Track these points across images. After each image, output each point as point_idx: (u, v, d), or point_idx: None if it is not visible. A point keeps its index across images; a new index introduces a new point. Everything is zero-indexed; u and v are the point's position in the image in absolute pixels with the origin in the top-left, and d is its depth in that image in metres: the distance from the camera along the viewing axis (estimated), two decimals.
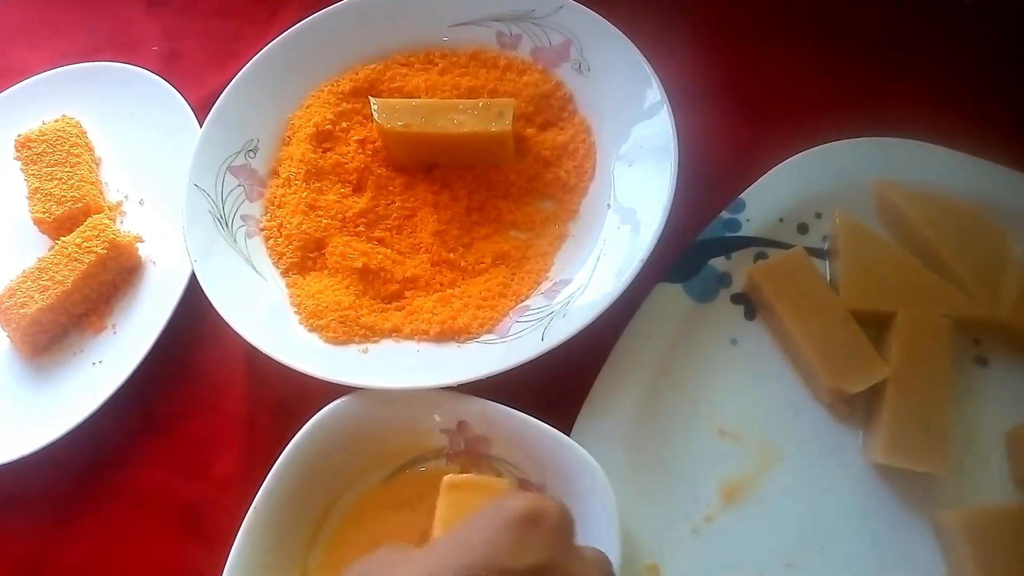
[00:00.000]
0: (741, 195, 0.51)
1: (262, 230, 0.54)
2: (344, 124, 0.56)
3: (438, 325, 0.48)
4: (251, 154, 0.55)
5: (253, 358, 0.51)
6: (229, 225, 0.53)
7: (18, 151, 0.61)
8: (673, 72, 0.51)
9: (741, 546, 0.44)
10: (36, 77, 0.67)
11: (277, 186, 0.55)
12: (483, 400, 0.44)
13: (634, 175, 0.50)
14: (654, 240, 0.46)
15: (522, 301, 0.49)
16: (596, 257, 0.48)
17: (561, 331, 0.44)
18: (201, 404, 0.53)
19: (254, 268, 0.52)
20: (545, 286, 0.49)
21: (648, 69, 0.51)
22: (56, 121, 0.62)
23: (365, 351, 0.48)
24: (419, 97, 0.56)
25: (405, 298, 0.51)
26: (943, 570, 0.42)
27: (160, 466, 0.51)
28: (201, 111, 0.61)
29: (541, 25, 0.56)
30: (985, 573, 0.40)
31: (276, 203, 0.54)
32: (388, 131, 0.52)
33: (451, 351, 0.47)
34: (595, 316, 0.44)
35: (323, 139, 0.56)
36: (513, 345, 0.46)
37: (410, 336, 0.48)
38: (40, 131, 0.61)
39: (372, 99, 0.54)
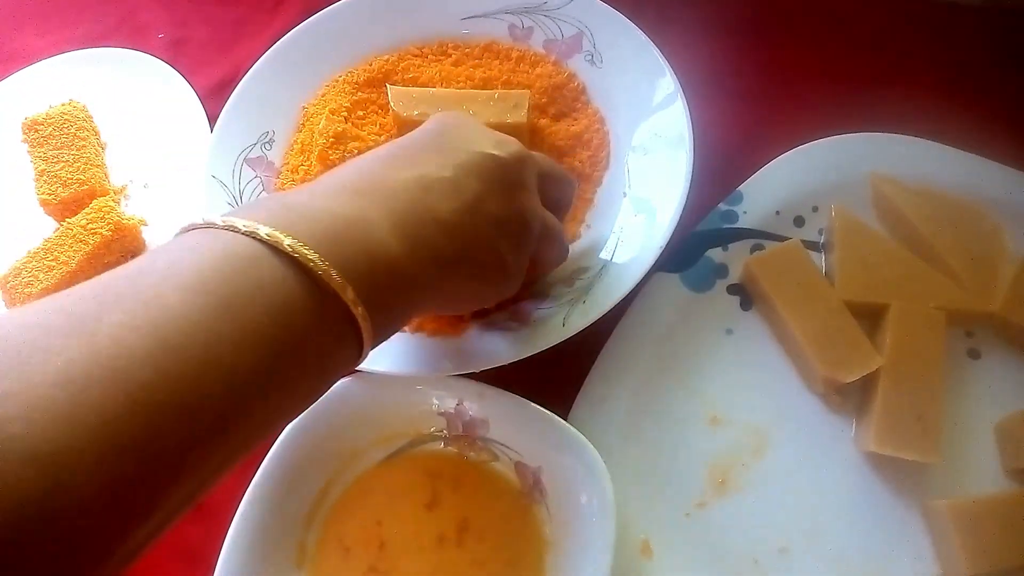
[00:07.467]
0: (739, 187, 0.52)
1: None
2: (360, 112, 0.56)
3: None
4: (267, 146, 0.56)
5: None
6: None
7: (25, 134, 0.61)
8: (675, 65, 0.52)
9: (734, 531, 0.44)
10: (44, 62, 0.67)
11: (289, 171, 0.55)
12: (482, 384, 0.45)
13: (649, 164, 0.50)
14: (671, 227, 0.46)
15: (540, 289, 0.49)
16: (613, 245, 0.49)
17: (581, 318, 0.45)
18: None
19: None
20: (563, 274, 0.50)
21: (661, 59, 0.51)
22: (63, 105, 0.63)
23: None
24: (434, 87, 0.56)
25: None
26: (932, 556, 0.43)
27: None
28: (206, 97, 0.61)
29: (553, 17, 0.56)
30: (973, 560, 0.40)
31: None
32: (404, 120, 0.52)
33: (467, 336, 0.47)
34: (615, 302, 0.45)
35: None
36: (534, 331, 0.46)
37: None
38: (47, 114, 0.62)
39: (389, 87, 0.54)
